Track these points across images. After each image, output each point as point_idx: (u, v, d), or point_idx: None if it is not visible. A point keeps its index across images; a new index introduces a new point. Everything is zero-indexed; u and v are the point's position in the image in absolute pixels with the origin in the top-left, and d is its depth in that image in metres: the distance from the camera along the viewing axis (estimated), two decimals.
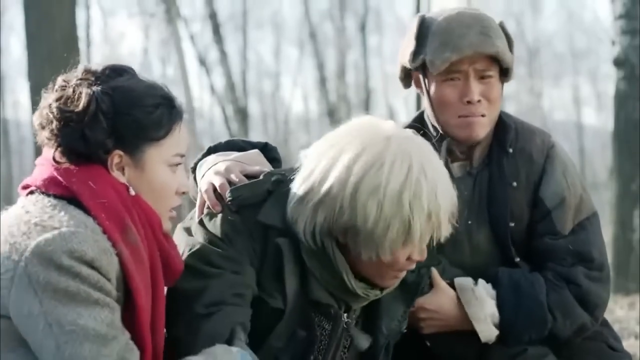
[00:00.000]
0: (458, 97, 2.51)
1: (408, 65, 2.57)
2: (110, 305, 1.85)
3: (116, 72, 1.98)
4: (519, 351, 2.49)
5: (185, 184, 2.07)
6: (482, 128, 2.54)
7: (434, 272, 2.46)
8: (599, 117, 27.82)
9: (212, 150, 2.42)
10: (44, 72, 9.00)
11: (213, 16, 21.26)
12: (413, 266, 2.19)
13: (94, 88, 1.93)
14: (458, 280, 2.51)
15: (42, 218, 1.85)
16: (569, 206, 2.55)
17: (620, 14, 9.11)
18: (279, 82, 27.72)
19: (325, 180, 2.06)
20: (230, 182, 2.22)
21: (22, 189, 1.99)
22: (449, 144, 2.57)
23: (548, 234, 2.55)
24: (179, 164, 2.03)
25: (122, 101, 1.94)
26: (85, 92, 1.92)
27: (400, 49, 2.63)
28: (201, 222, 2.19)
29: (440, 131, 2.56)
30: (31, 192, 1.95)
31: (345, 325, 2.25)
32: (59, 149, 1.93)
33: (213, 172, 2.28)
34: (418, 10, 16.44)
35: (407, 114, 22.94)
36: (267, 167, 2.30)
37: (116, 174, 1.95)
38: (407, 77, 2.64)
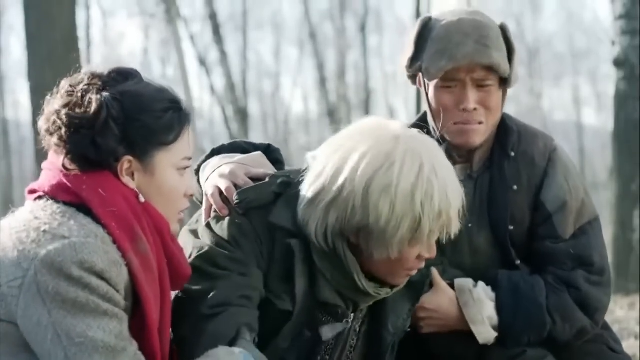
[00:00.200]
0: (454, 104, 2.50)
1: (406, 72, 2.58)
2: (118, 316, 1.85)
3: (123, 76, 1.97)
4: (518, 353, 2.49)
5: (192, 186, 2.08)
6: (479, 136, 2.53)
7: (434, 271, 2.47)
8: (599, 118, 27.83)
9: (215, 152, 2.43)
10: (44, 72, 9.00)
11: (213, 16, 21.25)
12: (423, 264, 2.21)
13: (104, 94, 1.92)
14: (458, 281, 2.52)
15: (52, 225, 1.85)
16: (571, 210, 2.55)
17: (620, 14, 9.11)
18: (279, 82, 27.73)
19: (336, 181, 2.07)
20: (235, 185, 2.22)
21: (29, 193, 1.97)
22: (448, 147, 2.57)
23: (549, 237, 2.54)
24: (187, 167, 2.03)
25: (132, 107, 1.92)
26: (95, 98, 1.90)
27: (403, 47, 2.62)
28: (208, 226, 2.20)
29: (439, 134, 2.56)
30: (39, 197, 1.94)
31: (352, 325, 2.26)
32: (68, 155, 1.91)
33: (218, 175, 2.28)
34: (418, 10, 16.43)
35: (407, 114, 22.91)
36: (270, 169, 2.31)
37: (126, 179, 1.94)
38: (412, 76, 2.63)
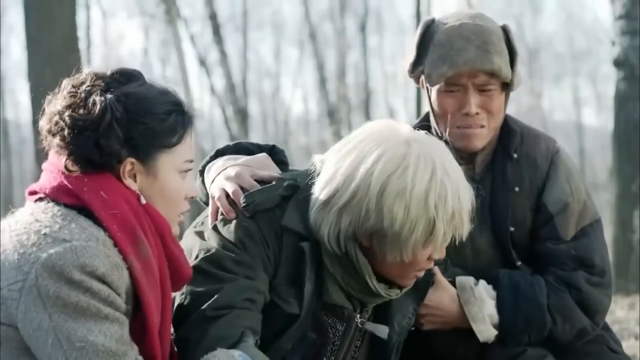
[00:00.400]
0: (457, 109, 2.51)
1: (408, 75, 2.58)
2: (119, 320, 1.84)
3: (126, 77, 1.96)
4: (519, 352, 2.50)
5: (193, 188, 2.07)
6: (480, 139, 2.54)
7: (436, 269, 2.47)
8: (599, 118, 27.87)
9: (219, 153, 2.42)
10: (44, 72, 9.01)
11: (213, 17, 21.26)
12: (432, 265, 2.22)
13: (108, 95, 1.90)
14: (459, 279, 2.53)
15: (52, 228, 1.84)
16: (572, 212, 2.55)
17: (620, 14, 9.13)
18: (279, 82, 27.80)
19: (349, 186, 2.08)
20: (242, 188, 2.22)
21: (29, 194, 1.96)
22: (450, 149, 2.57)
23: (550, 238, 2.55)
24: (189, 169, 2.02)
25: (136, 109, 1.91)
26: (99, 100, 1.89)
27: (405, 50, 2.62)
28: (215, 228, 2.20)
29: (441, 136, 2.56)
30: (40, 199, 1.92)
31: (359, 325, 2.28)
32: (70, 157, 1.89)
33: (224, 177, 2.28)
34: (418, 10, 16.43)
35: (407, 115, 22.93)
36: (275, 171, 2.31)
37: (128, 181, 1.93)
38: (416, 77, 2.63)
